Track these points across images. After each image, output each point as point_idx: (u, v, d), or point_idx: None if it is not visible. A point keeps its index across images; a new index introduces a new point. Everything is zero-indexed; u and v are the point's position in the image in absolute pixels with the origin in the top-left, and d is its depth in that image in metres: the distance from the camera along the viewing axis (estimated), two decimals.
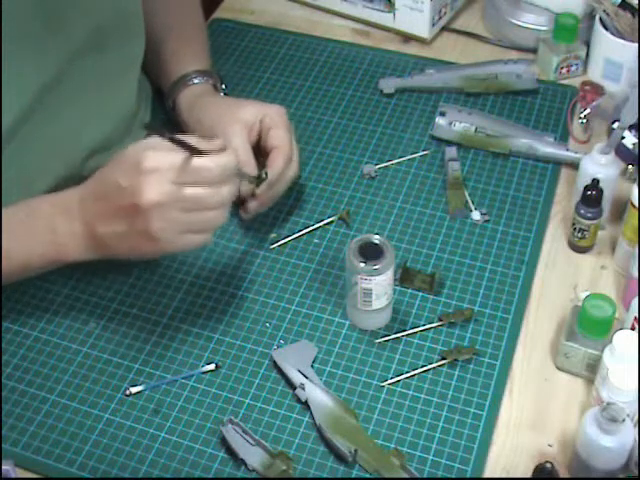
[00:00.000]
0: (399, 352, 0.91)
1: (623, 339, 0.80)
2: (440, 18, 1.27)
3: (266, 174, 0.96)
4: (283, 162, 0.98)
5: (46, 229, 0.87)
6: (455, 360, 0.90)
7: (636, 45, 1.12)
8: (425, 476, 0.82)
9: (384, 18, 1.29)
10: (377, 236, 0.89)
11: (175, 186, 0.80)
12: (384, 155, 1.11)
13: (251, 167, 0.96)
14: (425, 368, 0.89)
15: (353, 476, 0.82)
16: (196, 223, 0.83)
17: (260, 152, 1.00)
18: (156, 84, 1.14)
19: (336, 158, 1.11)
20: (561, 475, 0.80)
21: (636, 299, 0.85)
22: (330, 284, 0.97)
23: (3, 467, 0.76)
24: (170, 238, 0.82)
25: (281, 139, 0.99)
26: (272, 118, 0.99)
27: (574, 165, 1.05)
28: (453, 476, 0.82)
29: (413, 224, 1.03)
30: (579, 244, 0.99)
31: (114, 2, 0.97)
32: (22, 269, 0.89)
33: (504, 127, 1.12)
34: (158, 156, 0.81)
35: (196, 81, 1.07)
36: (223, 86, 1.10)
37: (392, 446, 0.84)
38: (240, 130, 0.97)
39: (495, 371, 0.89)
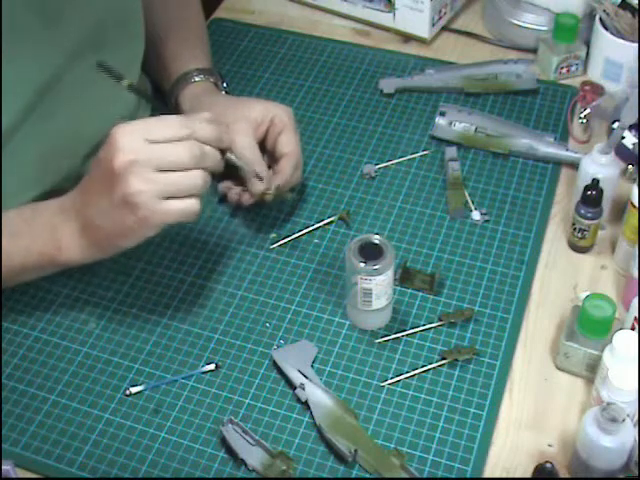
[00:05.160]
0: (399, 352, 0.91)
1: (623, 339, 0.80)
2: (440, 18, 1.27)
3: (291, 190, 1.00)
4: (292, 170, 0.99)
5: (46, 227, 0.87)
6: (455, 360, 0.90)
7: (636, 45, 1.12)
8: (425, 476, 0.82)
9: (384, 18, 1.29)
10: (377, 236, 0.89)
11: (146, 143, 0.80)
12: (384, 155, 1.11)
13: (259, 165, 0.96)
14: (425, 368, 0.89)
15: (353, 476, 0.82)
16: (173, 183, 0.81)
17: (264, 151, 0.99)
18: (157, 83, 1.14)
19: (336, 158, 1.11)
20: (561, 475, 0.80)
21: (636, 299, 0.85)
22: (330, 284, 0.97)
23: (3, 467, 0.76)
24: (149, 203, 0.80)
25: (292, 145, 0.99)
26: (281, 120, 0.99)
27: (574, 165, 1.05)
28: (453, 476, 0.82)
29: (413, 224, 1.03)
30: (579, 244, 0.99)
31: (113, 1, 0.97)
32: (21, 268, 0.89)
33: (504, 127, 1.12)
34: (130, 123, 0.82)
35: (197, 79, 1.07)
36: (224, 85, 1.10)
37: (392, 446, 0.84)
38: (246, 128, 0.97)
39: (495, 371, 0.89)
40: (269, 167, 0.99)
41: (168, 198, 0.81)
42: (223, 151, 0.88)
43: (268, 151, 1.00)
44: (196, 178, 0.82)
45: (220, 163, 0.87)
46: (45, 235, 0.87)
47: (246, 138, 0.96)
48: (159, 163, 0.80)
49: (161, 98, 1.13)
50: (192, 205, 0.83)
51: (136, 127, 0.82)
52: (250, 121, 0.98)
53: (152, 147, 0.81)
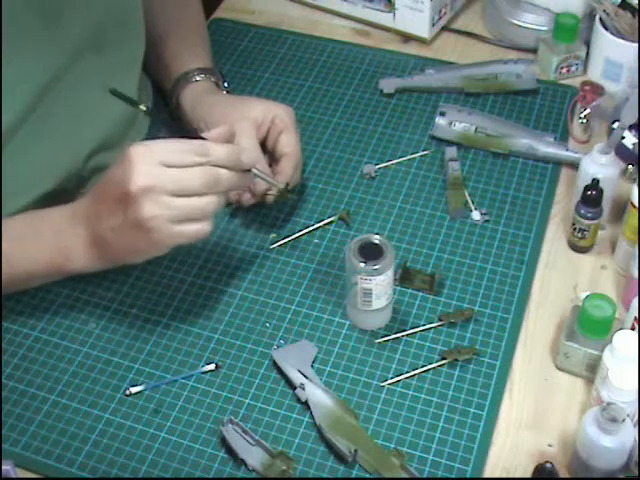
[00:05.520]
0: (399, 352, 0.91)
1: (623, 339, 0.80)
2: (440, 18, 1.27)
3: (291, 191, 0.99)
4: (292, 170, 0.99)
5: (53, 235, 0.87)
6: (455, 360, 0.90)
7: (636, 45, 1.12)
8: (425, 476, 0.82)
9: (384, 18, 1.29)
10: (377, 236, 0.89)
11: (162, 168, 0.81)
12: (384, 155, 1.11)
13: (261, 164, 0.96)
14: (425, 368, 0.89)
15: (353, 476, 0.82)
16: (186, 208, 0.82)
17: (265, 151, 1.00)
18: (157, 83, 1.14)
19: (336, 158, 1.11)
20: (561, 475, 0.80)
21: (636, 299, 0.85)
22: (330, 284, 0.97)
23: (3, 467, 0.76)
24: (162, 227, 0.81)
25: (292, 146, 0.99)
26: (282, 120, 0.99)
27: (574, 165, 1.05)
28: (453, 476, 0.82)
29: (413, 224, 1.03)
30: (579, 244, 0.99)
31: (113, 1, 0.97)
32: (27, 276, 0.90)
33: (504, 127, 1.12)
34: (146, 144, 0.82)
35: (198, 78, 1.07)
36: (225, 84, 1.10)
37: (392, 446, 0.84)
38: (248, 128, 0.97)
39: (495, 371, 0.89)
40: (269, 166, 1.00)
41: (181, 222, 0.82)
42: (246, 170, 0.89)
43: (268, 151, 1.01)
44: (209, 203, 0.83)
45: (238, 184, 0.87)
46: (52, 242, 0.87)
47: (248, 138, 0.96)
48: (174, 188, 0.81)
49: (162, 98, 1.13)
50: (203, 228, 0.84)
51: (153, 149, 0.82)
52: (251, 121, 0.98)
53: (168, 172, 0.81)
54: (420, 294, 0.96)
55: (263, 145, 1.00)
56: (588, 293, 0.87)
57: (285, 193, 0.98)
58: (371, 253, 0.88)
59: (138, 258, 0.88)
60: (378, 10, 1.29)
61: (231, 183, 0.85)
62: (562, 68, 1.20)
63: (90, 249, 0.86)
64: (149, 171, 0.80)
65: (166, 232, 0.82)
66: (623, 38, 1.14)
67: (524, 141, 1.10)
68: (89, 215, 0.86)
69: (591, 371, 0.87)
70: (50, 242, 0.87)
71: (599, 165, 0.97)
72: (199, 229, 0.84)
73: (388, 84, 1.20)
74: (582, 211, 0.96)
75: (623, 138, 0.95)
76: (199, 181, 0.82)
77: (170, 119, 1.10)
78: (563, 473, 0.81)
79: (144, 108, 0.89)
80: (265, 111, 1.00)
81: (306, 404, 0.86)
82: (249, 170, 0.89)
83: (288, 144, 0.99)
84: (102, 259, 0.87)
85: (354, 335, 0.93)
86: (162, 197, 0.80)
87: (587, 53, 1.20)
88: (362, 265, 0.87)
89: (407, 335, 0.92)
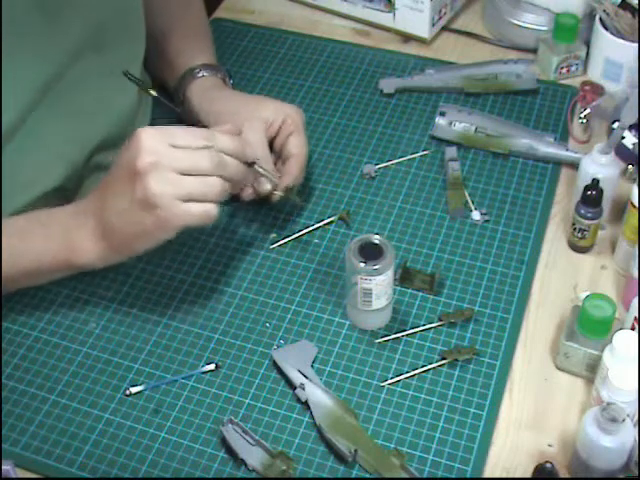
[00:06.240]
0: (399, 352, 0.91)
1: (623, 339, 0.80)
2: (440, 18, 1.27)
3: (297, 193, 1.00)
4: (299, 171, 0.99)
5: (60, 231, 0.87)
6: (455, 360, 0.90)
7: (636, 45, 1.12)
8: (425, 476, 0.82)
9: (384, 18, 1.29)
10: (377, 236, 0.89)
11: (170, 148, 0.82)
12: (384, 155, 1.11)
13: (268, 164, 0.96)
14: (425, 368, 0.89)
15: (353, 476, 0.82)
16: (193, 187, 0.82)
17: (271, 150, 1.00)
18: (160, 81, 1.14)
19: (336, 158, 1.11)
20: (561, 475, 0.80)
21: (636, 299, 0.85)
22: (330, 284, 0.97)
23: (3, 467, 0.76)
24: (169, 205, 0.81)
25: (300, 147, 1.00)
26: (294, 121, 1.00)
27: (574, 165, 1.05)
28: (453, 476, 0.82)
29: (413, 224, 1.03)
30: (579, 244, 0.99)
31: (114, 0, 0.97)
32: (34, 272, 0.89)
33: (504, 127, 1.12)
34: (155, 127, 0.83)
35: (205, 73, 1.07)
36: (231, 81, 1.11)
37: (392, 446, 0.84)
38: (259, 126, 0.98)
39: (495, 371, 0.89)
40: (274, 166, 1.00)
41: (187, 201, 0.82)
42: (249, 163, 0.90)
43: (275, 150, 1.01)
44: (215, 184, 0.83)
45: (243, 175, 0.88)
46: (59, 239, 0.87)
47: (257, 135, 0.97)
48: (180, 166, 0.82)
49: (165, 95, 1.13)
50: (210, 209, 0.84)
51: (161, 131, 0.83)
52: (262, 120, 0.99)
53: (175, 151, 0.82)
54: (420, 294, 0.96)
55: (270, 144, 1.00)
56: (588, 293, 0.87)
57: (291, 195, 0.98)
58: (371, 253, 0.88)
59: (146, 243, 0.86)
60: (378, 10, 1.29)
61: (236, 171, 0.86)
62: (562, 68, 1.20)
63: (97, 240, 0.86)
64: (156, 149, 0.81)
65: (173, 210, 0.81)
66: (623, 38, 1.14)
67: (524, 141, 1.10)
68: (95, 205, 0.86)
69: (591, 371, 0.87)
70: (57, 238, 0.87)
71: (599, 165, 0.97)
72: (206, 210, 0.83)
73: (388, 84, 1.20)
74: (582, 211, 0.96)
75: (623, 138, 0.95)
76: (207, 160, 0.83)
77: (173, 116, 1.10)
78: (563, 473, 0.81)
79: (154, 93, 0.91)
80: (276, 111, 1.00)
81: (306, 404, 0.86)
82: (252, 165, 0.90)
83: (297, 145, 0.99)
84: (110, 249, 0.87)
85: (354, 335, 0.93)
86: (169, 174, 0.81)
87: (587, 53, 1.20)
88: (362, 265, 0.87)
89: (407, 335, 0.92)
